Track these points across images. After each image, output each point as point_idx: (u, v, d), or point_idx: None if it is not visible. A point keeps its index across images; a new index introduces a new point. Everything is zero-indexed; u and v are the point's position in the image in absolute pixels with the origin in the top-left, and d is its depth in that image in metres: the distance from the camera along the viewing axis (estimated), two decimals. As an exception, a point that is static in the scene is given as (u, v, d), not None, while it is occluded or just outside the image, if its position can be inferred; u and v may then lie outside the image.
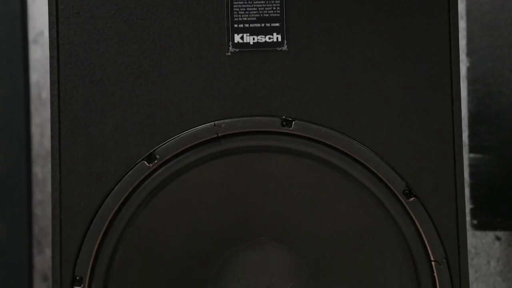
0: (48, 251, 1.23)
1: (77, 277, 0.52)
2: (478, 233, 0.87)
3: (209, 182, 0.54)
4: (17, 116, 0.98)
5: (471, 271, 0.87)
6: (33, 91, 1.03)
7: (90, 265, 0.52)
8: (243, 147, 0.54)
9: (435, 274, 0.53)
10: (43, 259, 1.35)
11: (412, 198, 0.54)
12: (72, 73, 0.53)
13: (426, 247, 0.53)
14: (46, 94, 1.03)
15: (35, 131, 1.05)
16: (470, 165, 0.85)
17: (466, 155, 0.85)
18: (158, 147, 0.53)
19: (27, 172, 1.02)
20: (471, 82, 0.86)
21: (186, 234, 0.54)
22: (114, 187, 0.53)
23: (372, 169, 0.54)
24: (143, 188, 0.53)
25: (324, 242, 0.55)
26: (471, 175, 0.85)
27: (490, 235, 0.87)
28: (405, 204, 0.53)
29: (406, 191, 0.54)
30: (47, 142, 1.04)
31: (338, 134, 0.54)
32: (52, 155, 0.53)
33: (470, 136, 0.86)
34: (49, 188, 1.11)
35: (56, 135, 0.53)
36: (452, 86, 0.55)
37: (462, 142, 0.55)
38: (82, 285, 0.52)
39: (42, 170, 1.07)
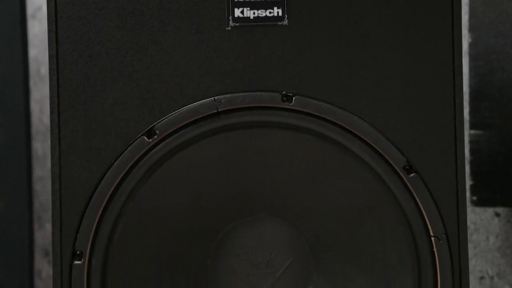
0: (48, 227, 1.24)
1: (77, 252, 0.52)
2: (478, 209, 0.87)
3: (209, 158, 0.54)
4: (16, 92, 0.98)
5: (470, 247, 0.88)
6: (32, 66, 1.03)
7: (90, 240, 0.52)
8: (243, 123, 0.53)
9: (435, 249, 0.53)
10: (43, 234, 1.36)
11: (412, 174, 0.54)
12: (70, 47, 0.53)
13: (426, 223, 0.53)
14: (45, 69, 1.02)
15: (34, 107, 1.05)
16: (471, 142, 0.85)
17: (466, 132, 0.85)
18: (158, 123, 0.53)
19: (27, 148, 1.02)
20: (472, 58, 0.85)
21: (186, 209, 0.54)
22: (114, 162, 0.53)
23: (373, 144, 0.53)
24: (142, 163, 0.53)
25: (323, 218, 0.55)
26: (472, 151, 0.85)
27: (489, 211, 0.87)
28: (405, 179, 0.53)
29: (407, 167, 0.54)
30: (46, 118, 1.04)
31: (339, 109, 0.54)
32: (51, 130, 0.53)
33: (471, 112, 0.85)
34: (49, 164, 1.11)
35: (55, 110, 0.53)
36: (454, 61, 0.54)
37: (463, 118, 0.55)
38: (82, 260, 0.52)
39: (42, 146, 1.07)
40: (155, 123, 0.53)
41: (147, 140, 0.53)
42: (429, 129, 0.54)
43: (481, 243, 0.88)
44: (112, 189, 0.52)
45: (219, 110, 0.53)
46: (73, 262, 0.53)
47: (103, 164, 0.53)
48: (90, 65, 0.53)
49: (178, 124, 0.53)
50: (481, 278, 0.88)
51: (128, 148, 0.53)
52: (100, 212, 0.52)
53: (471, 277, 0.87)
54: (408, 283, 0.53)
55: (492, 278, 0.87)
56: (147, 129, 0.53)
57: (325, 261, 0.55)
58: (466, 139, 0.85)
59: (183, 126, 0.53)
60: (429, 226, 0.53)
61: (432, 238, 0.53)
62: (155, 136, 0.53)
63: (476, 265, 0.87)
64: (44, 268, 1.37)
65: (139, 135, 0.53)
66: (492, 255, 0.87)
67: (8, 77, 0.97)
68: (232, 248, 0.55)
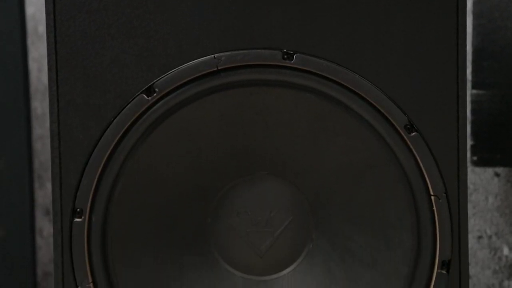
0: (49, 185, 1.24)
1: (78, 209, 0.52)
2: (478, 169, 0.87)
3: (208, 116, 0.53)
4: (14, 51, 0.97)
5: (469, 206, 0.88)
6: (29, 24, 1.01)
7: (90, 198, 0.52)
8: (243, 81, 0.53)
9: (434, 208, 0.53)
10: (44, 193, 1.37)
11: (413, 133, 0.53)
12: (68, 2, 0.52)
13: (426, 182, 0.53)
14: (42, 28, 1.01)
15: (32, 66, 1.04)
16: (472, 102, 0.85)
17: (468, 92, 0.85)
18: (157, 80, 0.52)
19: (26, 107, 1.02)
20: (476, 16, 0.84)
21: (185, 167, 0.54)
22: (113, 120, 0.52)
23: (374, 103, 0.53)
24: (142, 121, 0.52)
25: (323, 176, 0.55)
26: (473, 111, 0.85)
27: (489, 171, 0.87)
28: (406, 138, 0.53)
29: (408, 126, 0.53)
30: (45, 77, 1.03)
31: (340, 67, 0.53)
32: (49, 87, 0.52)
33: (474, 71, 0.85)
34: (48, 123, 1.11)
35: (53, 67, 0.52)
36: (458, 19, 0.53)
37: (466, 77, 0.54)
38: (82, 217, 0.52)
39: (41, 104, 1.06)
40: (154, 80, 0.52)
41: (146, 98, 0.52)
42: (431, 88, 0.54)
43: (480, 203, 0.88)
44: (111, 147, 0.52)
45: (219, 68, 0.52)
46: (73, 219, 0.53)
47: (102, 122, 0.52)
48: (87, 22, 0.52)
49: (178, 82, 0.52)
50: (479, 237, 0.88)
51: (127, 106, 0.52)
52: (99, 170, 0.52)
53: (469, 237, 0.87)
54: (407, 242, 0.53)
55: (490, 237, 0.88)
56: (146, 86, 0.53)
57: (325, 220, 0.55)
58: (468, 99, 0.84)
59: (183, 84, 0.52)
60: (429, 185, 0.53)
61: (432, 197, 0.53)
62: (155, 94, 0.52)
63: (475, 224, 0.88)
64: (45, 226, 1.38)
65: (138, 92, 0.53)
66: (491, 215, 0.87)
67: (6, 35, 0.95)
68: (232, 206, 0.55)
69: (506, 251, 0.87)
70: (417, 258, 0.53)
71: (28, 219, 1.09)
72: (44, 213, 1.38)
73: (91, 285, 0.53)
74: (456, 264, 0.54)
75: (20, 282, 1.10)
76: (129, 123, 0.52)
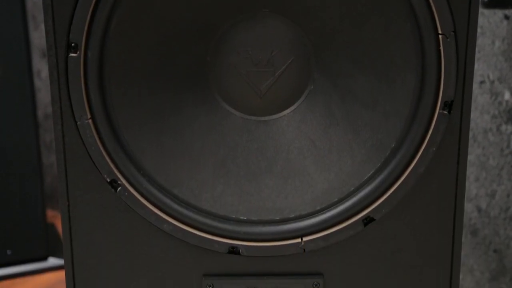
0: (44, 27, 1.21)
1: (72, 44, 0.51)
2: (487, 11, 0.84)
3: None
4: None
5: (474, 51, 0.86)
6: None
7: (85, 31, 0.50)
8: None
9: (441, 47, 0.51)
10: (39, 34, 1.34)
11: (424, -33, 0.50)
12: None
13: (434, 20, 0.51)
14: None
15: None
16: None
17: None
18: None
19: None
20: None
21: (185, 2, 0.51)
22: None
23: None
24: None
25: (328, 15, 0.52)
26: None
27: (498, 14, 0.84)
28: (417, -27, 0.50)
29: (419, -41, 0.50)
30: None
31: None
32: None
33: None
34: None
35: None
36: None
37: None
38: (78, 52, 0.51)
39: None
40: None
41: None
42: None
43: (485, 47, 0.86)
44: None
45: None
46: (69, 54, 0.51)
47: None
48: None
49: None
50: (482, 82, 0.88)
51: None
52: (93, 1, 0.50)
53: (471, 82, 0.87)
54: (410, 82, 0.52)
55: (492, 82, 0.87)
56: None
57: (327, 60, 0.54)
58: None
59: None
60: (437, 23, 0.51)
61: (440, 36, 0.51)
62: None
63: (478, 69, 0.87)
64: (43, 68, 1.37)
65: None
66: (495, 59, 0.86)
67: None
68: (232, 45, 0.54)
69: (507, 95, 0.86)
70: (419, 98, 0.53)
71: (25, 60, 1.07)
72: (41, 55, 1.37)
73: (90, 121, 0.53)
74: (459, 106, 0.54)
75: (21, 122, 1.11)
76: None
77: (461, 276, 0.93)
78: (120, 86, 0.52)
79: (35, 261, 1.16)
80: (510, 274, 0.90)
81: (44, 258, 1.17)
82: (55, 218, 1.38)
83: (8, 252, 1.14)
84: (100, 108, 0.52)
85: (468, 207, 0.91)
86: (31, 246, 1.15)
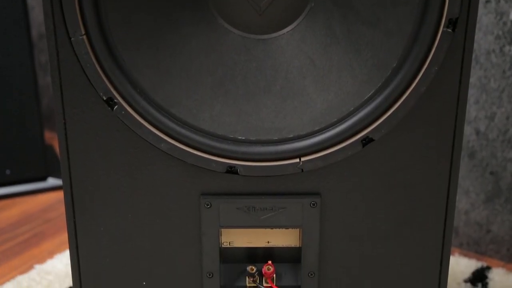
0: None
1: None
2: None
3: None
4: None
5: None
6: None
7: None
8: None
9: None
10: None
11: None
12: None
13: None
14: None
15: None
16: None
17: None
18: None
19: None
20: None
21: None
22: None
23: None
24: None
25: None
26: None
27: None
28: None
29: None
30: None
31: None
32: None
33: None
34: None
35: None
36: None
37: None
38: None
39: None
40: None
41: None
42: None
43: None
44: None
45: None
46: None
47: None
48: None
49: None
50: (487, 1, 0.85)
51: None
52: None
53: None
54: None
55: (498, 1, 0.85)
56: None
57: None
58: None
59: None
60: None
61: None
62: None
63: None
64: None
65: None
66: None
67: None
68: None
69: (512, 16, 0.84)
70: (423, 15, 0.51)
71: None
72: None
73: (84, 37, 0.51)
74: (463, 23, 0.52)
75: (15, 44, 1.09)
76: None
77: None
78: (115, 4, 0.50)
79: (34, 181, 1.17)
80: (505, 196, 0.91)
81: (43, 178, 1.18)
82: (53, 139, 1.38)
83: (7, 172, 1.14)
84: (94, 23, 0.51)
85: (467, 129, 0.91)
86: (30, 166, 1.16)
